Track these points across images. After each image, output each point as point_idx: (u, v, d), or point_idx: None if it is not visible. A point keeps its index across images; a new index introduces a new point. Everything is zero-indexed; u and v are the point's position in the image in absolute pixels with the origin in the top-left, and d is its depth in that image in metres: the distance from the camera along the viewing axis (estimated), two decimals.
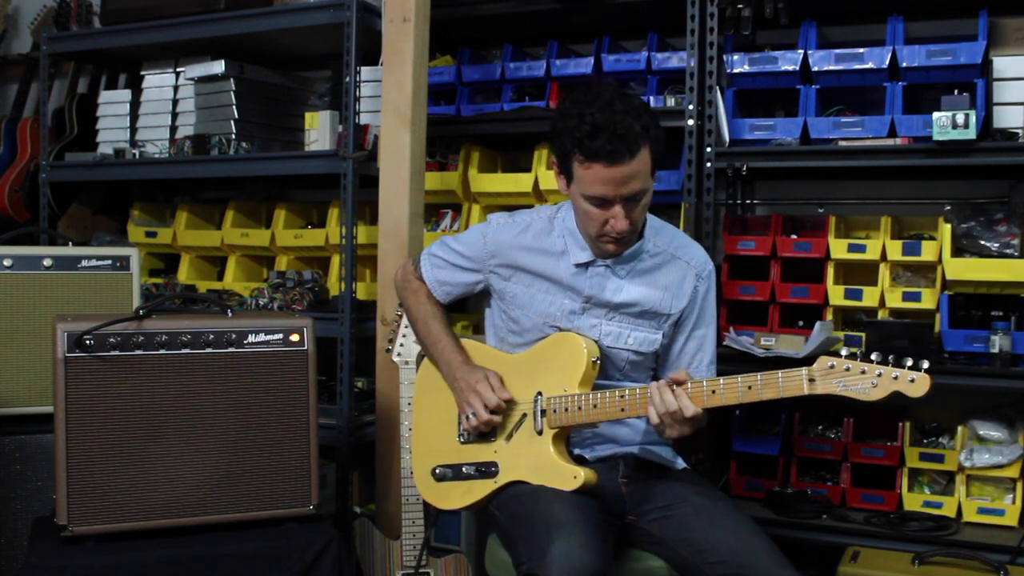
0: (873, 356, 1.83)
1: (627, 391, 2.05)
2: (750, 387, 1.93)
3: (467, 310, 3.41)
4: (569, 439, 2.18)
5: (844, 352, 1.86)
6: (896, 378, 1.81)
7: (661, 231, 2.25)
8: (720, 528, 2.00)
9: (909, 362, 1.81)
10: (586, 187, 2.04)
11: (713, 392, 1.97)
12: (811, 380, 1.88)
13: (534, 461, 2.12)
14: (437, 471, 2.25)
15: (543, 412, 2.12)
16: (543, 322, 2.21)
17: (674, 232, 2.28)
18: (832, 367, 1.86)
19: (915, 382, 1.80)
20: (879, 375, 1.82)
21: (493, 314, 2.34)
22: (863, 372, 1.83)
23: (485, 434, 2.20)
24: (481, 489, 2.19)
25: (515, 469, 2.15)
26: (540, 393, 2.14)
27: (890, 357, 1.83)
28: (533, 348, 2.21)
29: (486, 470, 2.18)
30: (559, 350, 2.16)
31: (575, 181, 2.06)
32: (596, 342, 2.16)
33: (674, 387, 1.99)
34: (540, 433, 2.13)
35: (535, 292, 2.22)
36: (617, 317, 2.19)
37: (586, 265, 2.18)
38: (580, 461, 2.17)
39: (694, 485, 2.17)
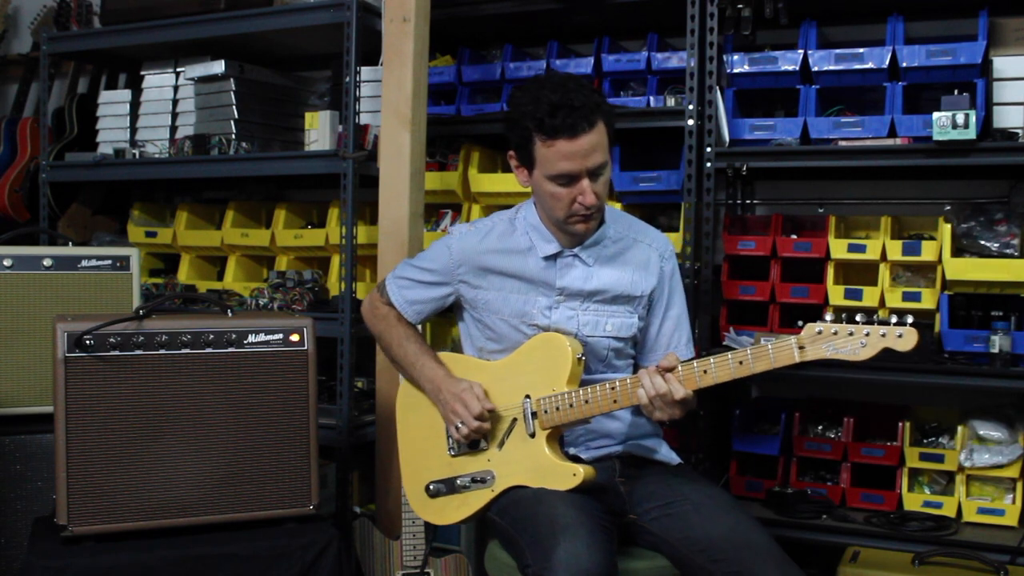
0: (858, 317, 1.84)
1: (617, 382, 2.06)
2: (741, 362, 1.93)
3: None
4: (562, 439, 2.18)
5: (830, 317, 1.87)
6: (884, 335, 1.82)
7: (619, 218, 2.30)
8: (721, 525, 2.00)
9: (895, 318, 1.82)
10: (551, 167, 2.07)
11: (705, 372, 1.98)
12: (801, 348, 1.88)
13: (530, 464, 2.12)
14: (431, 487, 2.24)
15: (534, 414, 2.12)
16: (520, 321, 2.21)
17: (631, 219, 2.33)
18: (820, 332, 1.86)
19: (903, 336, 1.81)
20: (867, 334, 1.83)
21: (468, 326, 2.34)
22: (851, 334, 1.84)
23: (476, 444, 2.19)
24: (478, 499, 2.18)
25: (511, 475, 2.14)
26: (528, 396, 2.14)
27: (875, 316, 1.84)
28: (516, 352, 2.21)
29: (481, 479, 2.17)
30: (543, 351, 2.16)
31: (538, 165, 2.10)
32: (577, 336, 2.18)
33: (664, 373, 2.00)
34: (533, 436, 2.12)
35: (508, 294, 2.23)
36: (592, 306, 2.21)
37: (554, 257, 2.21)
38: (576, 460, 2.17)
39: (692, 482, 2.17)
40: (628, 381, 2.06)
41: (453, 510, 2.22)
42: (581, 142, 2.04)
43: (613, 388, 2.06)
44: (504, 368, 2.22)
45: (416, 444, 2.31)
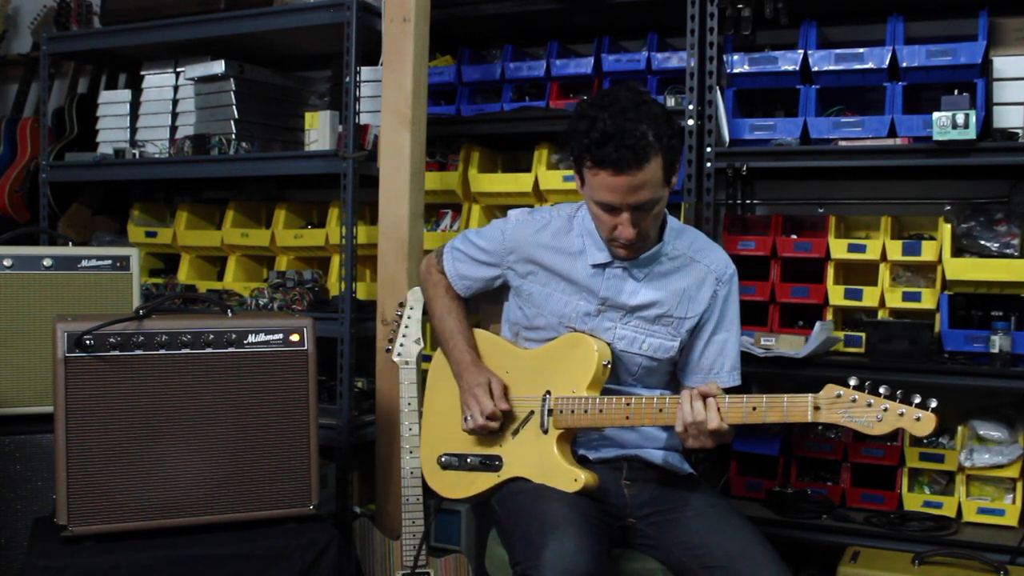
0: (881, 390, 1.81)
1: (633, 399, 2.05)
2: (754, 408, 1.92)
3: (475, 310, 3.40)
4: (575, 439, 2.18)
5: (853, 382, 1.84)
6: (902, 415, 1.79)
7: (682, 234, 2.22)
8: (719, 533, 2.00)
9: (917, 399, 1.78)
10: (594, 192, 2.03)
11: (717, 410, 1.94)
12: (816, 408, 1.86)
13: (537, 459, 2.12)
14: (443, 459, 2.27)
15: (550, 412, 2.13)
16: (558, 322, 2.20)
17: (695, 235, 2.26)
18: (839, 396, 1.84)
19: (920, 420, 1.78)
20: (884, 410, 1.80)
21: (510, 308, 2.33)
22: (869, 405, 1.81)
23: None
24: (484, 482, 2.20)
25: (518, 465, 2.15)
26: (549, 392, 2.14)
27: (898, 392, 1.80)
28: (546, 346, 2.21)
29: (490, 463, 2.19)
30: (571, 351, 2.16)
31: (586, 185, 2.06)
32: (609, 345, 2.15)
33: (705, 399, 1.96)
34: (546, 432, 2.13)
35: (551, 291, 2.21)
36: (633, 321, 2.17)
37: (603, 266, 2.17)
38: (583, 461, 2.17)
39: (697, 490, 2.17)
40: (644, 401, 2.04)
41: (461, 487, 2.25)
42: (627, 179, 1.95)
43: (628, 405, 2.04)
44: (533, 359, 2.22)
45: (439, 414, 2.34)
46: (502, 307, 2.39)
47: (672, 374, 2.27)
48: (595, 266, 2.17)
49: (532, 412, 2.16)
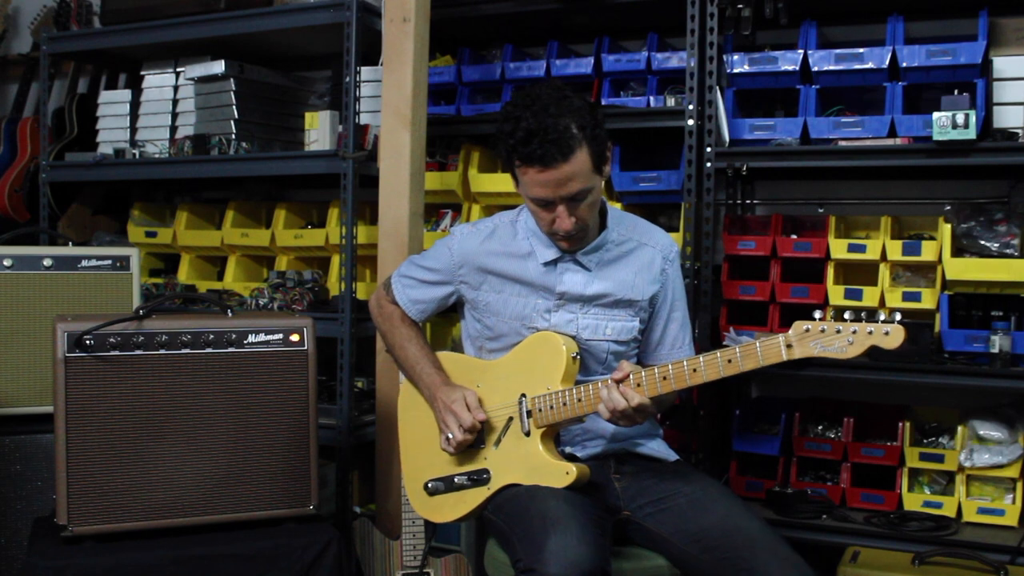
0: (846, 315, 1.84)
1: (611, 380, 2.06)
2: (730, 360, 1.93)
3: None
4: (558, 438, 2.19)
5: (818, 315, 1.87)
6: (871, 332, 1.82)
7: (623, 220, 2.28)
8: (713, 515, 2.01)
9: (882, 316, 1.83)
10: (528, 189, 2.09)
11: (695, 370, 1.97)
12: (788, 346, 1.88)
13: (525, 462, 2.12)
14: (429, 485, 2.25)
15: (529, 413, 2.13)
16: (519, 324, 2.22)
17: (635, 220, 2.32)
18: (807, 330, 1.86)
19: (890, 334, 1.81)
20: (854, 332, 1.83)
21: (468, 324, 2.35)
22: (838, 331, 1.84)
23: (473, 443, 2.20)
24: (474, 498, 2.19)
25: (507, 473, 2.14)
26: (524, 395, 2.14)
27: (863, 314, 1.84)
28: (512, 351, 2.22)
29: (478, 478, 2.18)
30: (538, 350, 2.17)
31: (520, 184, 2.11)
32: (574, 338, 2.18)
33: (619, 385, 2.02)
34: (528, 434, 2.13)
35: (507, 296, 2.24)
36: (593, 310, 2.21)
37: (554, 262, 2.20)
38: (571, 459, 2.17)
39: (686, 476, 2.18)
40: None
41: (451, 508, 2.23)
42: (555, 172, 2.01)
43: (606, 386, 2.05)
44: (501, 367, 2.23)
45: (416, 442, 2.32)
46: None
47: (635, 357, 2.30)
48: (546, 264, 2.20)
49: (511, 418, 2.16)
